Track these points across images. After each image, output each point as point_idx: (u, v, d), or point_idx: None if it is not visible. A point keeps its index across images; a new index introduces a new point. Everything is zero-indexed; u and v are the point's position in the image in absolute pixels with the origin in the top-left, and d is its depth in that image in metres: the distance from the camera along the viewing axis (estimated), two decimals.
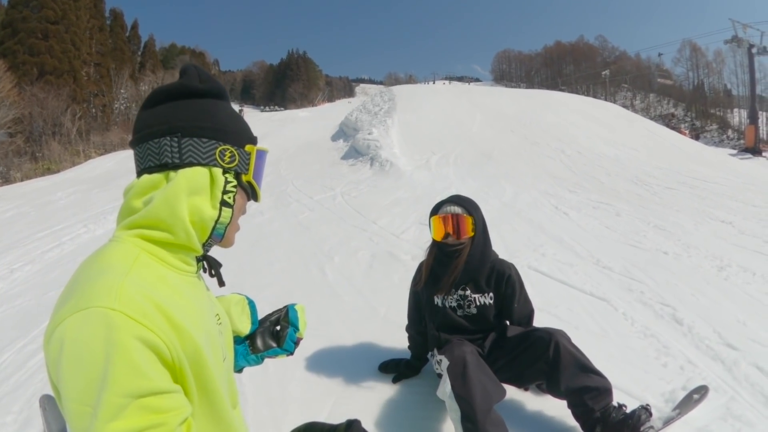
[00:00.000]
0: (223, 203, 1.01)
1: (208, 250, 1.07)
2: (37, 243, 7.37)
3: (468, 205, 2.47)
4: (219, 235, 1.04)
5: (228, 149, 1.01)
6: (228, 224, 1.03)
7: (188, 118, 0.99)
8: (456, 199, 2.51)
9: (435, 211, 2.53)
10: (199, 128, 0.99)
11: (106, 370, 0.76)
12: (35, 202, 12.33)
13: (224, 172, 1.01)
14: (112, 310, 0.79)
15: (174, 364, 0.86)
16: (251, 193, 1.10)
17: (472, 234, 2.44)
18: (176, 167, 0.97)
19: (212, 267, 1.12)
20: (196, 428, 0.89)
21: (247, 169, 1.06)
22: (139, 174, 1.00)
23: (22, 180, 21.72)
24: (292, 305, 1.47)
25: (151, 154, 0.98)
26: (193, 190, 0.97)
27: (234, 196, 1.02)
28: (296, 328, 1.43)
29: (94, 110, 38.63)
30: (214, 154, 1.00)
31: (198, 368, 0.92)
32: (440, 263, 2.51)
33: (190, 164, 0.98)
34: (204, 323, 0.99)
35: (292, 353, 1.42)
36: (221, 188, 1.00)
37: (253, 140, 1.08)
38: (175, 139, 0.97)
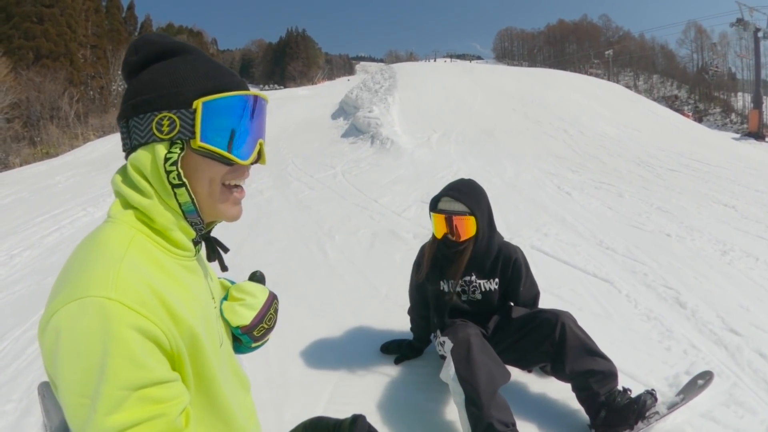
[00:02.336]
0: (172, 184, 0.87)
1: (201, 230, 0.96)
2: (36, 228, 7.29)
3: (470, 199, 2.29)
4: (191, 212, 0.91)
5: (165, 116, 0.86)
6: (192, 201, 0.90)
7: (130, 96, 0.90)
8: (456, 194, 2.30)
9: (435, 202, 2.37)
10: (138, 104, 0.88)
11: (103, 362, 0.73)
12: (34, 186, 12.18)
13: (172, 144, 0.87)
14: (108, 299, 0.75)
15: (173, 353, 0.82)
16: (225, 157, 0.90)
17: (475, 233, 2.31)
18: (129, 154, 0.90)
19: (212, 251, 1.04)
20: (193, 416, 0.86)
21: (193, 133, 0.88)
22: None
23: (20, 165, 21.37)
24: None
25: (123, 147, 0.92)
26: (145, 177, 0.88)
27: (177, 174, 0.87)
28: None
29: (91, 92, 38.22)
30: (151, 127, 0.87)
31: (195, 355, 0.88)
32: (444, 256, 2.41)
33: (135, 147, 0.88)
34: (201, 309, 0.94)
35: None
36: (162, 168, 0.87)
37: (208, 89, 0.89)
38: (124, 123, 0.90)
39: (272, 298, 1.29)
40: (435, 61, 76.07)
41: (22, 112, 28.39)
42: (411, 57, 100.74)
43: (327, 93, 30.44)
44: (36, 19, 35.37)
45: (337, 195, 7.33)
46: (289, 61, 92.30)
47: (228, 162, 0.91)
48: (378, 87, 17.33)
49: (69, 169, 15.13)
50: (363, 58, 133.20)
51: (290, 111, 22.06)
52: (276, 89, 61.25)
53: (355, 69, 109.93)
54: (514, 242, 2.56)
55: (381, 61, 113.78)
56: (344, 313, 3.37)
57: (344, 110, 16.97)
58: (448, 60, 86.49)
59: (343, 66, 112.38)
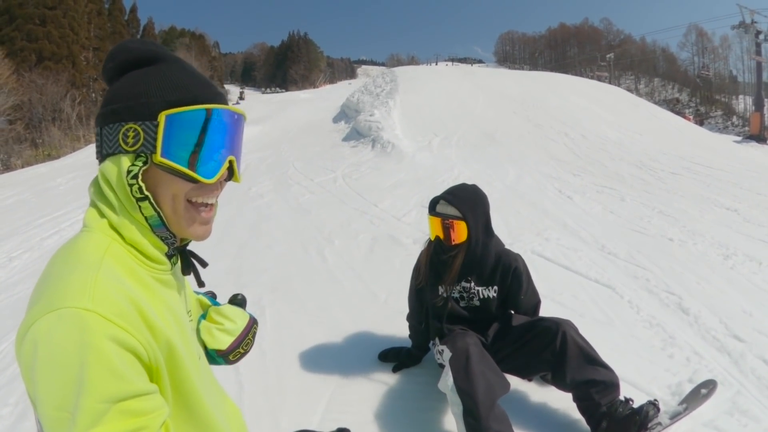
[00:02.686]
0: (136, 198, 0.85)
1: (173, 244, 0.93)
2: (36, 230, 7.29)
3: (464, 204, 2.29)
4: (158, 226, 0.88)
5: (131, 128, 0.84)
6: (159, 216, 0.87)
7: (103, 104, 0.88)
8: (452, 198, 2.31)
9: (433, 205, 2.38)
10: (108, 113, 0.86)
11: (81, 374, 0.70)
12: (35, 188, 12.20)
13: (137, 157, 0.85)
14: (85, 310, 0.72)
15: (151, 364, 0.80)
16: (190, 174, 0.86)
17: (466, 238, 2.30)
18: (101, 162, 0.88)
19: (187, 265, 1.00)
20: (173, 429, 0.84)
21: (155, 147, 0.84)
22: None
23: (22, 167, 21.34)
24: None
25: None
26: (112, 188, 0.86)
27: (139, 188, 0.84)
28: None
29: (93, 95, 38.20)
30: (119, 138, 0.84)
31: (173, 367, 0.86)
32: (440, 260, 2.41)
33: (105, 157, 0.87)
34: (177, 322, 0.92)
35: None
36: (125, 181, 0.84)
37: (174, 101, 0.85)
38: (98, 131, 0.87)
39: (251, 324, 1.27)
40: (436, 64, 76.19)
41: (25, 113, 28.37)
42: (412, 60, 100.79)
43: (328, 96, 30.53)
44: (39, 21, 35.41)
45: (338, 199, 7.30)
46: (290, 64, 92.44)
47: (190, 179, 0.87)
48: (379, 90, 17.36)
49: (71, 171, 15.13)
50: (365, 62, 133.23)
51: (292, 114, 22.13)
52: (278, 92, 61.58)
53: (357, 72, 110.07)
54: (515, 247, 2.53)
55: (382, 64, 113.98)
56: (343, 320, 3.34)
57: (345, 114, 17.00)
58: (450, 63, 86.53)
59: (345, 69, 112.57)
